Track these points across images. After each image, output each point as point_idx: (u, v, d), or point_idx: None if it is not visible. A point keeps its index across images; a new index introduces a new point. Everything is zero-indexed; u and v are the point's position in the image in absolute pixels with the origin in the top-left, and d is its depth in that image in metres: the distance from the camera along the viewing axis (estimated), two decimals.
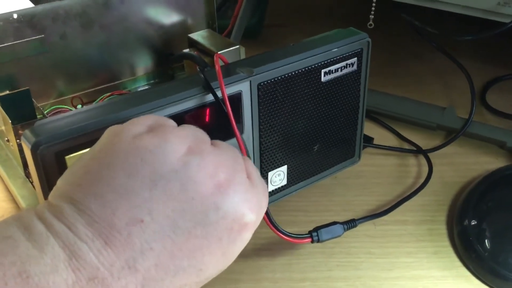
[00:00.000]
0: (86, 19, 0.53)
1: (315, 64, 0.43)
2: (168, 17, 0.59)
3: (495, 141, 0.57)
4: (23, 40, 0.49)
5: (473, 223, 0.45)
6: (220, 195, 0.29)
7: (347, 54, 0.45)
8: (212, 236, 0.28)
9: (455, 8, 0.58)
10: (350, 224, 0.44)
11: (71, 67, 0.54)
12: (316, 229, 0.42)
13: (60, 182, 0.29)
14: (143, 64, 0.60)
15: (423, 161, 0.55)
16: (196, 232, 0.28)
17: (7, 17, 0.47)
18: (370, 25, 0.60)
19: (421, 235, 0.47)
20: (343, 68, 0.45)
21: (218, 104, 0.37)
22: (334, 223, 0.43)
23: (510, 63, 0.70)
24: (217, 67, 0.37)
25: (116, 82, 0.58)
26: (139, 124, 0.30)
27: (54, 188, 0.29)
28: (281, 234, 0.39)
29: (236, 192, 0.29)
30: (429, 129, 0.60)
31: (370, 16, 0.60)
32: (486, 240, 0.44)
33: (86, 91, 0.56)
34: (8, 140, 0.51)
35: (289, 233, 0.40)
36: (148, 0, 0.56)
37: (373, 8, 0.60)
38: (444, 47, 0.65)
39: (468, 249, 0.45)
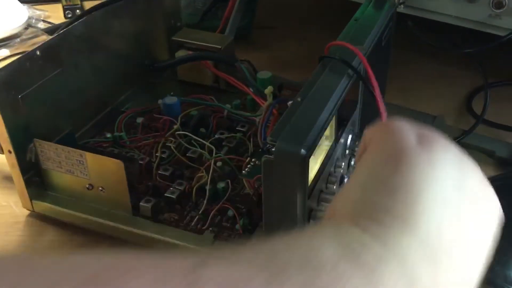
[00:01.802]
0: (91, 43, 0.52)
1: None
2: (138, 28, 0.59)
3: (484, 150, 0.58)
4: (47, 78, 0.47)
5: None
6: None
7: None
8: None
9: (447, 18, 0.59)
10: None
11: (82, 96, 0.53)
12: None
13: (346, 201, 0.26)
14: (129, 80, 0.59)
15: None
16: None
17: (31, 55, 0.45)
18: None
19: None
20: None
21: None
22: None
23: (495, 71, 0.71)
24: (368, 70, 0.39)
25: (115, 104, 0.58)
26: (411, 131, 0.28)
27: (334, 208, 0.27)
28: None
29: None
30: None
31: None
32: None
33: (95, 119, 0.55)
34: None
35: None
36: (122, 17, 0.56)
37: None
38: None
39: None
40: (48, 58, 0.47)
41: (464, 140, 0.58)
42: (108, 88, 0.57)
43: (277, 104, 0.48)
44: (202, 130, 0.53)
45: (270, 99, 0.52)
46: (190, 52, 0.59)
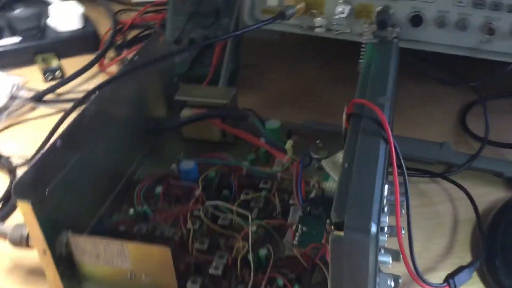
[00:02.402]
0: (102, 120, 0.51)
1: None
2: (138, 92, 0.58)
3: (492, 172, 0.60)
4: (68, 166, 0.46)
5: (500, 261, 0.48)
6: None
7: None
8: None
9: (439, 48, 0.61)
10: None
11: (98, 175, 0.51)
12: (451, 276, 0.44)
13: None
14: (136, 147, 0.58)
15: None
16: None
17: (53, 147, 0.44)
18: (360, 68, 0.62)
19: None
20: None
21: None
22: (462, 268, 0.46)
23: (482, 86, 0.74)
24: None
25: (127, 175, 0.56)
26: None
27: None
28: (422, 283, 0.40)
29: None
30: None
31: (360, 60, 0.61)
32: None
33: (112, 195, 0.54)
34: None
35: (430, 282, 0.41)
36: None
37: (363, 52, 0.61)
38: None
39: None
40: (68, 146, 0.45)
41: (474, 164, 0.60)
42: (119, 160, 0.55)
43: (304, 162, 0.48)
44: (225, 192, 0.53)
45: (290, 153, 0.52)
46: (195, 110, 0.58)
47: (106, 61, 0.80)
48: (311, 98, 0.74)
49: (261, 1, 0.64)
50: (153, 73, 0.60)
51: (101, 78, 0.78)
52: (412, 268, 0.40)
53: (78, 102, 0.49)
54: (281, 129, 0.59)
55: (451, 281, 0.44)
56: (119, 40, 0.84)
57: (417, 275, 0.40)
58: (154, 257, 0.42)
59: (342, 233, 0.33)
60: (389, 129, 0.40)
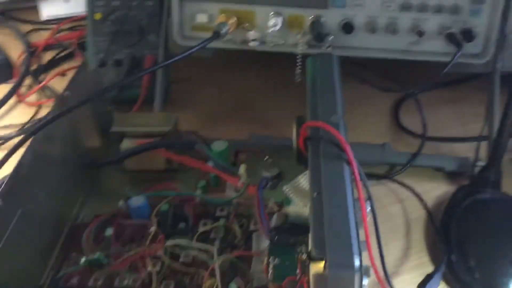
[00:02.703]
0: (40, 166, 0.48)
1: None
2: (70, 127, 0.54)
3: (433, 167, 0.62)
4: (12, 225, 0.42)
5: (457, 258, 0.50)
6: None
7: None
8: None
9: (372, 52, 0.61)
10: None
11: (43, 226, 0.48)
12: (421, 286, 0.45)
13: None
14: (76, 187, 0.55)
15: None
16: None
17: None
18: (297, 79, 0.62)
19: (417, 282, 0.50)
20: None
21: None
22: (429, 276, 0.46)
23: (408, 81, 0.76)
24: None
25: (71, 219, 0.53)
26: None
27: None
28: None
29: None
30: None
31: (297, 70, 0.61)
32: (474, 271, 0.49)
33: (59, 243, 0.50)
34: None
35: None
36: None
37: (299, 62, 0.61)
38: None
39: (461, 283, 0.49)
40: (9, 203, 0.41)
41: (416, 162, 0.62)
42: (60, 204, 0.51)
43: (261, 188, 0.47)
44: (181, 225, 0.51)
45: (244, 178, 0.51)
46: (137, 141, 0.55)
47: (23, 89, 0.74)
48: (248, 111, 0.73)
49: (191, 18, 0.61)
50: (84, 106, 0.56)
51: (20, 110, 0.72)
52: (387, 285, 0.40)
53: (11, 152, 0.44)
54: (229, 150, 0.58)
55: None
56: (34, 65, 0.78)
57: None
58: None
59: (325, 270, 0.33)
60: (349, 152, 0.40)
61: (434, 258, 0.53)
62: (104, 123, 0.59)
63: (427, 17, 0.59)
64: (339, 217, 0.35)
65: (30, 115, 0.70)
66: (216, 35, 0.56)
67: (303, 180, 0.44)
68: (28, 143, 0.46)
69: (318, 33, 0.57)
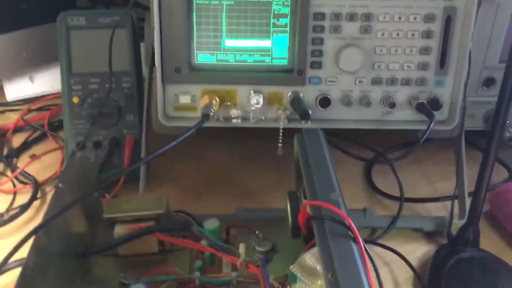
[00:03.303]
0: (41, 261, 0.46)
1: None
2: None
3: (412, 229, 0.65)
4: None
5: None
6: None
7: None
8: None
9: (351, 124, 0.65)
10: None
11: None
12: None
13: None
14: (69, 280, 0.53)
15: None
16: None
17: None
18: (280, 152, 0.64)
19: None
20: None
21: None
22: None
23: (376, 144, 0.80)
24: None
25: None
26: None
27: None
28: None
29: None
30: None
31: (279, 144, 0.64)
32: None
33: None
34: None
35: None
36: None
37: (280, 136, 0.63)
38: None
39: None
40: None
41: (396, 225, 0.65)
42: None
43: (264, 266, 0.48)
44: None
45: (243, 256, 0.52)
46: (130, 226, 0.55)
47: None
48: (230, 184, 0.74)
49: (173, 99, 0.63)
50: (73, 195, 0.56)
51: None
52: None
53: (8, 256, 0.44)
54: (221, 227, 0.58)
55: None
56: (4, 149, 0.77)
57: None
58: None
59: None
60: (356, 230, 0.42)
61: None
62: (92, 210, 0.59)
63: (397, 89, 0.63)
64: None
65: (6, 203, 0.68)
66: (206, 117, 0.58)
67: (309, 259, 0.45)
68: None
69: (302, 111, 0.60)
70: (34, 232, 0.44)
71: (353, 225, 0.42)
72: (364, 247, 0.42)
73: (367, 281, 0.39)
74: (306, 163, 0.51)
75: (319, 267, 0.45)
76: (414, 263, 0.61)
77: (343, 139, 0.80)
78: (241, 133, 0.79)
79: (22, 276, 0.42)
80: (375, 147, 0.80)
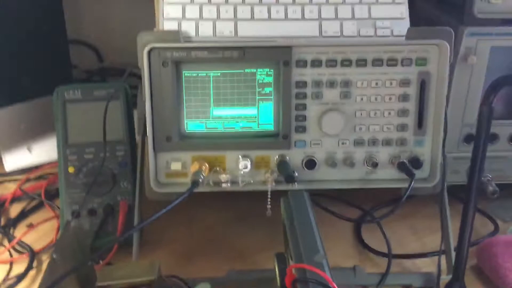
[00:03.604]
0: None
1: None
2: None
3: (402, 285, 0.66)
4: None
5: None
6: None
7: None
8: None
9: (336, 184, 0.68)
10: None
11: None
12: None
13: None
14: None
15: None
16: None
17: None
18: (268, 213, 0.66)
19: None
20: None
21: None
22: None
23: (363, 202, 0.82)
24: None
25: None
26: None
27: None
28: None
29: None
30: None
31: (267, 206, 0.66)
32: None
33: None
34: None
35: None
36: None
37: (269, 198, 0.66)
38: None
39: None
40: None
41: (386, 283, 0.66)
42: None
43: None
44: None
45: None
46: None
47: None
48: (220, 245, 0.76)
49: (165, 166, 0.66)
50: (67, 263, 0.57)
51: None
52: None
53: None
54: None
55: None
56: (2, 219, 0.79)
57: None
58: None
59: None
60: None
61: None
62: (85, 276, 0.60)
63: (379, 150, 0.66)
64: None
65: (2, 273, 0.69)
66: (196, 184, 0.60)
67: None
68: None
69: (287, 175, 0.62)
70: None
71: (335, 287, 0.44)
72: None
73: None
74: (291, 225, 0.53)
75: None
76: None
77: (330, 199, 0.82)
78: (232, 195, 0.82)
79: None
80: (362, 204, 0.82)
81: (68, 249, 0.56)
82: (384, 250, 0.72)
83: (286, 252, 0.57)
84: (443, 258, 0.67)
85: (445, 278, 0.64)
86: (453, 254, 0.66)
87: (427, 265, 0.70)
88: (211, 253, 0.74)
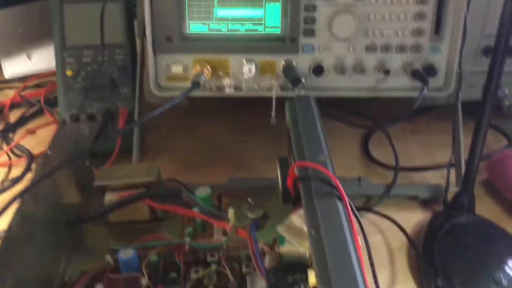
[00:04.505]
0: (27, 225, 0.46)
1: None
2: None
3: (408, 196, 0.65)
4: None
5: (443, 282, 0.52)
6: None
7: None
8: None
9: (345, 92, 0.64)
10: None
11: None
12: None
13: None
14: (59, 246, 0.54)
15: None
16: None
17: None
18: (273, 121, 0.64)
19: None
20: None
21: None
22: None
23: (373, 114, 0.79)
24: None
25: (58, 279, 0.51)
26: None
27: None
28: None
29: None
30: None
31: (272, 113, 0.63)
32: None
33: None
34: None
35: None
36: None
37: (274, 105, 0.63)
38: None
39: None
40: (1, 267, 0.40)
41: (393, 192, 0.64)
42: (47, 264, 0.50)
43: (252, 230, 0.48)
44: (173, 275, 0.50)
45: (233, 221, 0.52)
46: (120, 193, 0.55)
47: None
48: (222, 155, 0.74)
49: (165, 69, 0.63)
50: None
51: None
52: None
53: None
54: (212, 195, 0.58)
55: None
56: (1, 124, 0.77)
57: None
58: None
59: None
60: (341, 188, 0.42)
61: (420, 284, 0.55)
62: (84, 178, 0.59)
63: (391, 56, 0.62)
64: (340, 252, 0.37)
65: (1, 176, 0.68)
66: (196, 85, 0.57)
67: (296, 220, 0.45)
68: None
69: (294, 78, 0.59)
70: (19, 195, 0.44)
71: (339, 183, 0.42)
72: (350, 204, 0.41)
73: (350, 236, 0.38)
74: (295, 128, 0.51)
75: (306, 228, 0.45)
76: (409, 230, 0.61)
77: (339, 109, 0.79)
78: (236, 107, 0.79)
79: (6, 239, 0.42)
80: (372, 117, 0.79)
81: (64, 147, 0.54)
82: (391, 163, 0.70)
83: (289, 157, 0.55)
84: (452, 173, 0.65)
85: (454, 190, 0.62)
86: (463, 166, 0.64)
87: (435, 179, 0.68)
88: (213, 163, 0.72)
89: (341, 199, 0.41)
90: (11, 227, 0.43)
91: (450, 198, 0.61)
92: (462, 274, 0.53)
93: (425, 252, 0.56)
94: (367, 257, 0.48)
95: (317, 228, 0.39)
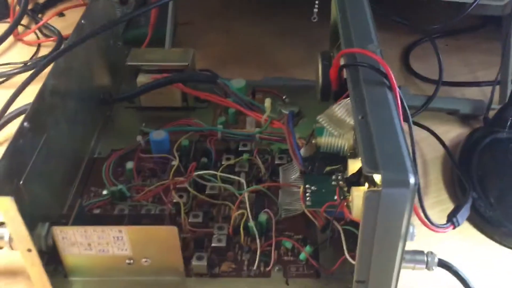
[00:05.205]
0: (62, 94, 0.45)
1: None
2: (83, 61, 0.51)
3: (449, 111, 0.62)
4: (38, 150, 0.40)
5: (478, 195, 0.50)
6: None
7: None
8: None
9: None
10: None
11: (64, 157, 0.46)
12: (452, 216, 0.44)
13: None
14: (92, 122, 0.53)
15: None
16: None
17: (22, 131, 0.38)
18: (314, 18, 0.60)
19: (439, 217, 0.51)
20: None
21: None
22: (459, 206, 0.45)
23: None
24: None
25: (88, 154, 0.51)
26: None
27: None
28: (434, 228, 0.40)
29: None
30: None
31: (314, 9, 0.60)
32: (495, 207, 0.49)
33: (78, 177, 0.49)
34: None
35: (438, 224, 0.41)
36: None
37: (316, 1, 0.59)
38: None
39: (482, 219, 0.50)
40: (35, 128, 0.39)
41: (432, 105, 0.61)
42: (79, 138, 0.50)
43: (291, 121, 0.46)
44: (204, 160, 0.49)
45: (268, 112, 0.50)
46: (153, 76, 0.53)
47: (20, 29, 0.70)
48: (257, 54, 0.71)
49: None
50: (98, 38, 0.53)
51: (19, 49, 0.69)
52: (423, 216, 0.40)
53: (34, 75, 0.42)
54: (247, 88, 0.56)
55: (454, 219, 0.45)
56: (30, 3, 0.75)
57: (430, 222, 0.40)
58: (159, 238, 0.38)
59: (379, 189, 0.32)
60: (392, 76, 0.39)
61: (452, 195, 0.53)
62: (115, 59, 0.57)
63: None
64: (389, 137, 0.35)
65: (29, 54, 0.67)
66: None
67: (338, 110, 0.43)
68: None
69: None
70: (53, 57, 0.42)
71: (390, 72, 0.39)
72: (400, 96, 0.39)
73: (399, 125, 0.36)
74: (343, 16, 0.47)
75: (348, 119, 0.43)
76: (446, 143, 0.58)
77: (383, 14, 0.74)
78: (274, 9, 0.76)
79: (40, 97, 0.40)
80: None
81: (97, 19, 0.52)
82: (432, 77, 0.67)
83: (331, 51, 0.52)
84: (497, 90, 0.61)
85: (497, 107, 0.59)
86: (510, 84, 0.61)
87: (477, 96, 0.65)
88: (247, 62, 0.69)
89: (391, 88, 0.39)
90: (44, 87, 0.41)
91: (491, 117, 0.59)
92: (499, 189, 0.51)
93: (462, 165, 0.54)
94: None
95: (364, 114, 0.37)
